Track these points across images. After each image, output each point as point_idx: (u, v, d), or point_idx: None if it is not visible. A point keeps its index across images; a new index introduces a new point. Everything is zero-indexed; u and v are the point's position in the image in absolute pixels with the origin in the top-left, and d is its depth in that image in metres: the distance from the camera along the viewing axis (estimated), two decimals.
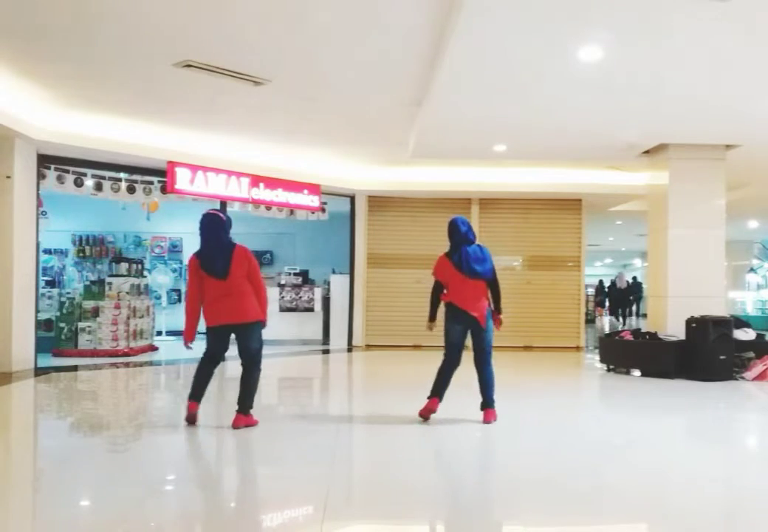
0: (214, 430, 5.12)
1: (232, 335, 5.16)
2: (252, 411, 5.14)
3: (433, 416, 5.31)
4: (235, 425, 5.00)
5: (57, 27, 5.56)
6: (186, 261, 13.61)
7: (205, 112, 8.06)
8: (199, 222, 5.20)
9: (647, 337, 8.51)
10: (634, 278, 26.76)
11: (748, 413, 6.60)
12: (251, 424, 5.10)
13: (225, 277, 4.99)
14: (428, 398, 5.34)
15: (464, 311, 5.24)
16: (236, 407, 5.10)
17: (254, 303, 5.08)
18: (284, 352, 11.04)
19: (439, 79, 6.19)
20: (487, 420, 5.26)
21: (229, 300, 4.99)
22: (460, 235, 5.44)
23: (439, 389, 5.35)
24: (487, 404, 5.33)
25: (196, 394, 5.16)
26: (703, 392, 7.27)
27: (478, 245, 5.50)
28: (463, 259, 5.31)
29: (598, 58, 5.63)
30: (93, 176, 9.53)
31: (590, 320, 21.46)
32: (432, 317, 5.48)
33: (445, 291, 5.43)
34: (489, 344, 5.35)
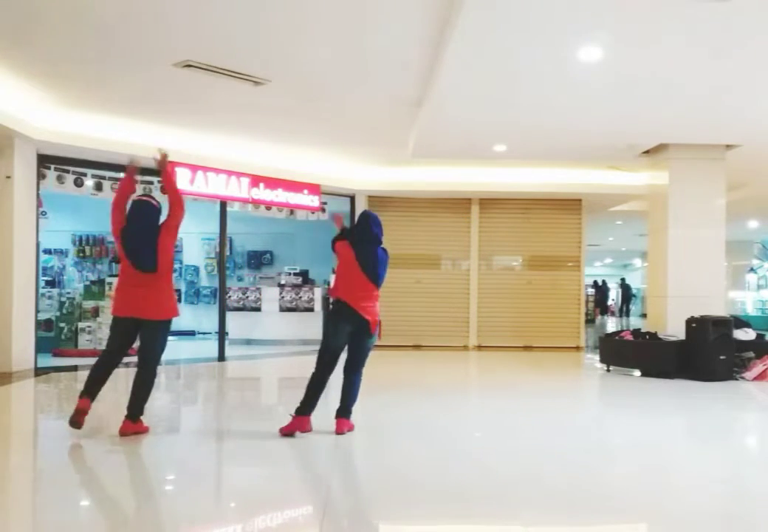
0: (214, 431, 5.11)
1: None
2: (252, 411, 5.11)
3: (432, 417, 5.30)
4: (123, 432, 4.71)
5: (57, 27, 5.56)
6: (187, 260, 13.66)
7: (205, 112, 8.06)
8: (129, 208, 4.91)
9: (647, 337, 8.51)
10: (623, 279, 27.62)
11: (748, 413, 6.60)
12: (141, 431, 4.81)
13: (153, 270, 4.68)
14: (296, 414, 4.83)
15: (356, 312, 4.85)
16: (125, 413, 4.77)
17: (171, 300, 4.78)
18: (284, 352, 11.04)
19: (439, 80, 6.19)
20: (339, 430, 4.90)
21: (142, 292, 4.67)
22: (370, 235, 5.02)
23: (310, 405, 4.89)
24: (344, 413, 5.00)
25: (91, 389, 4.73)
26: (703, 392, 7.27)
27: (383, 248, 5.09)
28: (371, 261, 4.93)
29: (598, 58, 5.63)
30: (93, 176, 9.52)
31: (590, 320, 21.84)
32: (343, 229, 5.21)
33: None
34: (369, 350, 5.04)
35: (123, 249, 4.79)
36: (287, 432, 4.79)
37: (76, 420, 4.65)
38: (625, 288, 27.89)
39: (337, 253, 5.08)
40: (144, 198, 5.01)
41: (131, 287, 4.71)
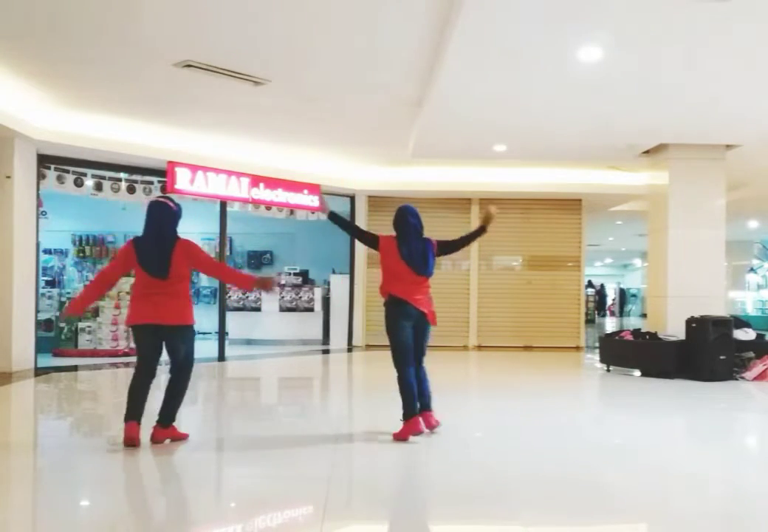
0: (214, 431, 5.11)
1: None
2: (252, 411, 5.11)
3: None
4: (156, 439, 4.55)
5: (57, 27, 5.56)
6: None
7: (205, 112, 8.06)
8: (146, 210, 4.67)
9: (647, 337, 8.51)
10: (618, 284, 30.06)
11: (748, 413, 6.60)
12: (178, 437, 4.65)
13: (165, 277, 4.47)
14: (405, 418, 4.76)
15: (414, 307, 4.82)
16: (157, 419, 4.64)
17: (189, 305, 4.61)
18: (284, 352, 11.04)
19: (439, 80, 6.19)
20: (429, 425, 4.85)
21: (160, 299, 4.48)
22: (409, 226, 4.98)
23: (414, 405, 4.79)
24: (427, 407, 4.91)
25: (134, 413, 4.54)
26: (703, 392, 7.27)
27: (427, 239, 5.04)
28: (414, 254, 4.88)
29: (598, 58, 5.63)
30: (93, 176, 9.52)
31: (590, 320, 22.27)
32: (333, 216, 5.27)
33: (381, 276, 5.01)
34: (426, 345, 5.03)
35: (137, 257, 4.54)
36: (403, 437, 4.69)
37: (132, 443, 4.45)
38: (621, 292, 30.83)
39: (380, 248, 5.01)
40: (161, 199, 4.77)
41: (146, 296, 4.52)
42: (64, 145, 8.47)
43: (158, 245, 4.53)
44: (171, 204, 4.70)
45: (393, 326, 4.87)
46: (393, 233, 5.04)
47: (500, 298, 12.28)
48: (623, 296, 30.53)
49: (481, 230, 5.13)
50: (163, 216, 4.62)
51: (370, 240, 5.11)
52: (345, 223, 5.25)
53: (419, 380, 4.91)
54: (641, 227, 11.16)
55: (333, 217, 5.19)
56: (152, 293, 4.50)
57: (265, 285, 4.70)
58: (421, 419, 4.80)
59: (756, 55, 5.63)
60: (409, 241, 4.94)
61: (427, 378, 4.99)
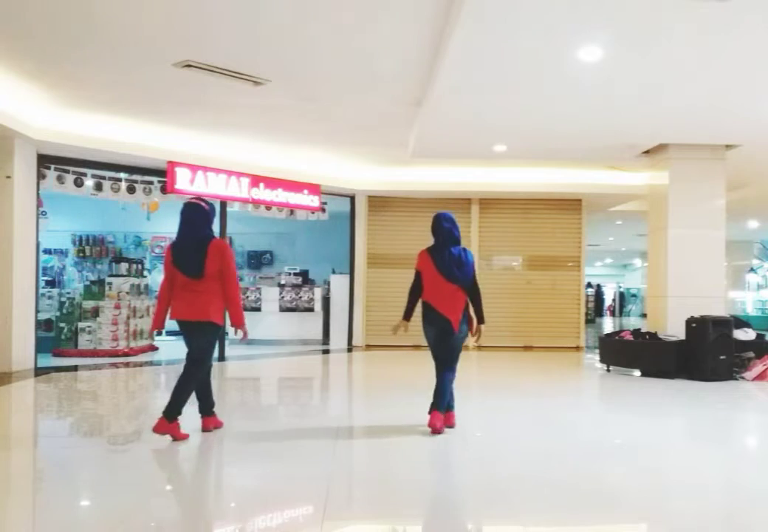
0: (214, 431, 5.11)
1: None
2: (252, 411, 5.11)
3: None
4: (157, 430, 4.63)
5: (57, 27, 5.55)
6: None
7: (205, 112, 8.06)
8: (180, 211, 4.83)
9: (647, 337, 8.51)
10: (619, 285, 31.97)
11: (748, 413, 6.60)
12: (176, 435, 4.68)
13: (199, 276, 4.64)
14: (444, 412, 5.03)
15: (438, 313, 4.99)
16: (163, 412, 4.70)
17: (218, 304, 4.72)
18: (284, 352, 11.05)
19: (439, 80, 6.19)
20: (431, 424, 4.91)
21: (192, 297, 4.66)
22: (443, 231, 5.12)
23: (448, 400, 5.09)
24: (437, 407, 4.96)
25: (206, 406, 4.93)
26: (703, 392, 7.27)
27: (464, 248, 5.17)
28: (446, 261, 5.02)
29: (598, 58, 5.63)
30: (93, 176, 9.53)
31: (590, 320, 22.44)
32: (407, 316, 5.16)
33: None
34: (458, 348, 5.09)
35: (172, 258, 4.73)
36: (434, 429, 4.91)
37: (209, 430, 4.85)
38: (620, 295, 32.96)
39: (418, 267, 5.19)
40: (194, 201, 4.93)
41: (181, 294, 4.72)
42: (64, 145, 8.47)
43: (193, 245, 4.68)
44: (204, 205, 4.85)
45: (424, 331, 5.13)
46: (423, 248, 5.24)
47: (500, 298, 12.26)
48: (621, 298, 31.99)
49: (479, 318, 5.25)
50: (196, 217, 4.76)
51: (418, 279, 5.23)
52: (411, 303, 5.26)
53: (439, 382, 5.05)
54: (641, 227, 11.17)
55: (408, 314, 5.23)
56: (187, 291, 4.68)
57: (243, 333, 4.82)
58: (453, 414, 5.11)
59: (756, 55, 5.63)
60: (442, 250, 5.09)
61: (448, 382, 5.06)
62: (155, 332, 4.98)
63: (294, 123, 8.49)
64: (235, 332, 4.81)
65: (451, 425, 5.10)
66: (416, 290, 5.20)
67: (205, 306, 4.66)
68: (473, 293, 5.13)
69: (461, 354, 5.19)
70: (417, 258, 5.21)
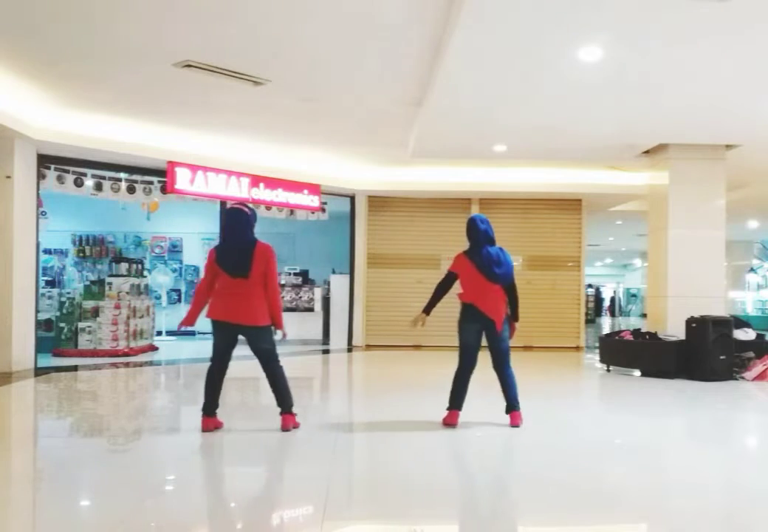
0: (214, 431, 5.11)
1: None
2: (252, 411, 5.12)
3: (433, 417, 5.30)
4: (284, 427, 4.90)
5: (57, 27, 5.55)
6: (187, 260, 13.69)
7: (205, 112, 8.06)
8: (224, 216, 5.04)
9: (647, 337, 8.51)
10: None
11: (748, 413, 6.60)
12: (296, 426, 5.00)
13: (246, 276, 4.81)
14: (447, 409, 5.19)
15: (481, 313, 5.09)
16: (279, 410, 4.97)
17: (264, 306, 4.90)
18: (284, 352, 10.90)
19: (438, 80, 6.19)
20: (514, 423, 5.13)
21: (240, 299, 4.83)
22: (479, 232, 5.17)
23: (458, 400, 5.19)
24: (513, 407, 5.19)
25: (209, 405, 4.96)
26: (703, 392, 7.27)
27: (500, 248, 5.23)
28: (485, 260, 5.09)
29: (598, 58, 5.63)
30: (93, 176, 9.53)
31: (590, 320, 22.55)
32: (427, 310, 5.25)
33: (460, 291, 5.25)
34: (507, 345, 5.23)
35: (217, 260, 4.88)
36: (448, 424, 5.14)
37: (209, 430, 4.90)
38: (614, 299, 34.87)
39: (454, 269, 5.23)
40: (237, 206, 5.12)
41: (226, 295, 4.86)
42: (64, 145, 8.47)
43: (240, 248, 4.87)
44: (246, 210, 5.06)
45: (460, 328, 5.26)
46: (458, 251, 5.29)
47: None
48: (617, 301, 33.72)
49: (515, 316, 5.31)
50: (240, 221, 4.97)
51: (448, 280, 5.28)
52: (435, 299, 5.32)
53: (503, 384, 5.23)
54: (641, 227, 11.17)
55: (428, 309, 5.33)
56: (232, 293, 4.83)
57: (283, 334, 5.08)
58: (457, 413, 5.17)
59: (756, 55, 5.62)
60: (480, 251, 5.14)
61: (513, 382, 5.23)
62: (184, 326, 5.09)
63: (294, 123, 8.49)
64: (275, 333, 5.06)
65: (516, 425, 5.17)
66: (444, 288, 5.27)
67: (253, 309, 4.85)
68: (511, 291, 5.24)
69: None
70: (453, 260, 5.27)
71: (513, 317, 5.27)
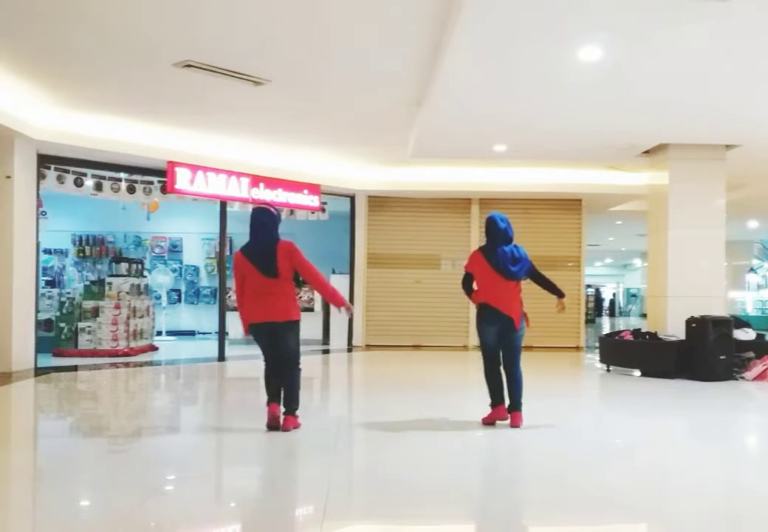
0: (214, 431, 5.12)
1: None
2: (253, 411, 5.12)
3: (433, 417, 5.30)
4: (285, 428, 4.90)
5: (57, 27, 5.55)
6: (187, 260, 13.69)
7: (205, 112, 8.06)
8: (249, 216, 5.08)
9: (647, 337, 8.51)
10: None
11: (748, 413, 6.60)
12: (297, 426, 4.98)
13: (275, 276, 4.86)
14: (491, 406, 5.24)
15: (499, 311, 5.13)
16: (283, 410, 4.97)
17: (292, 303, 4.97)
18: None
19: (439, 80, 6.19)
20: (514, 424, 5.13)
21: (270, 299, 4.87)
22: (499, 232, 5.20)
23: (498, 394, 5.23)
24: (515, 407, 5.21)
25: (273, 395, 4.99)
26: (703, 392, 7.27)
27: (515, 245, 5.30)
28: (500, 259, 5.13)
29: (598, 58, 5.63)
30: (93, 176, 9.53)
31: (590, 320, 22.63)
32: (467, 291, 5.39)
33: (474, 288, 5.29)
34: (519, 345, 5.28)
35: (251, 261, 4.91)
36: (488, 421, 5.20)
37: (274, 424, 4.91)
38: (611, 302, 35.62)
39: (468, 268, 5.30)
40: (263, 206, 5.16)
41: (256, 297, 4.91)
42: (64, 145, 8.47)
43: (263, 247, 4.93)
44: (271, 210, 5.10)
45: (479, 329, 5.27)
46: (473, 249, 5.38)
47: None
48: (613, 303, 34.45)
49: (559, 294, 5.59)
50: (266, 221, 5.01)
51: (467, 279, 5.37)
52: (469, 292, 5.42)
53: (510, 382, 5.23)
54: (641, 227, 11.16)
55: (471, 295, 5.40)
56: (262, 294, 4.88)
57: (348, 310, 5.12)
58: (503, 407, 5.20)
59: (756, 55, 5.62)
60: (496, 249, 5.18)
61: (520, 383, 5.25)
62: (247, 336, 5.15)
63: (294, 123, 8.49)
64: (347, 313, 5.14)
65: (516, 425, 5.16)
66: (469, 286, 5.37)
67: (286, 306, 4.90)
68: (540, 279, 5.42)
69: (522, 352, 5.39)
70: (468, 259, 5.34)
71: (558, 293, 5.49)
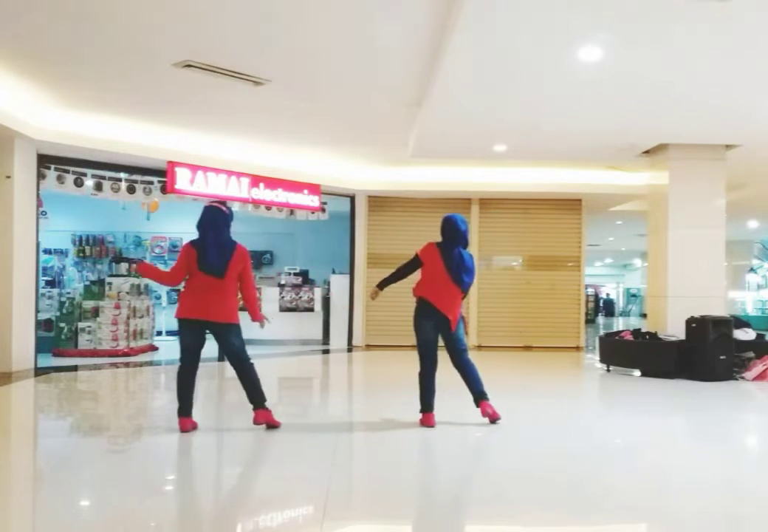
0: (214, 431, 5.12)
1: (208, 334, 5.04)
2: (250, 410, 5.10)
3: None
4: (257, 421, 4.91)
5: (57, 27, 5.55)
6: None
7: (205, 112, 8.06)
8: (201, 214, 5.05)
9: (647, 337, 8.50)
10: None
11: (748, 413, 6.60)
12: (271, 421, 4.96)
13: (222, 276, 4.84)
14: (421, 412, 5.16)
15: (438, 311, 5.09)
16: (252, 406, 4.97)
17: (235, 304, 4.97)
18: (284, 352, 11.03)
19: (439, 80, 6.19)
20: (486, 414, 5.12)
21: (214, 297, 4.84)
22: (458, 233, 5.15)
23: (429, 402, 5.15)
24: (481, 397, 5.17)
25: (186, 406, 4.90)
26: (703, 392, 7.27)
27: (469, 253, 5.25)
28: (456, 264, 5.07)
29: (598, 58, 5.63)
30: (93, 176, 9.52)
31: (590, 320, 22.69)
32: (381, 285, 5.34)
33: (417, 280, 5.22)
34: (462, 341, 5.22)
35: (197, 258, 4.86)
36: (426, 425, 5.11)
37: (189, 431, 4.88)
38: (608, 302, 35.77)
39: (422, 257, 5.22)
40: (215, 204, 5.15)
41: (198, 292, 4.88)
42: (64, 145, 8.47)
43: (219, 247, 4.89)
44: (224, 208, 5.09)
45: (416, 323, 5.22)
46: (431, 241, 5.25)
47: (500, 298, 12.27)
48: (610, 304, 34.85)
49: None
50: (218, 220, 4.99)
51: (413, 265, 5.30)
52: (393, 278, 5.41)
53: (464, 373, 5.19)
54: (641, 227, 11.16)
55: (383, 285, 5.45)
56: (205, 290, 4.84)
57: (262, 322, 5.20)
58: (433, 415, 5.13)
59: (757, 55, 5.63)
60: (453, 253, 5.12)
61: (473, 369, 5.20)
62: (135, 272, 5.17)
63: (294, 123, 8.49)
64: (261, 325, 5.18)
65: (486, 414, 5.16)
66: (407, 271, 5.31)
67: (231, 308, 4.92)
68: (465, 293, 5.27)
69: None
70: (423, 247, 5.24)
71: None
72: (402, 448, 4.67)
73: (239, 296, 5.06)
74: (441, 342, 5.28)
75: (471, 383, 5.20)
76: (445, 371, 5.37)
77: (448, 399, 5.42)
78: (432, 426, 5.09)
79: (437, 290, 5.11)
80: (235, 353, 4.97)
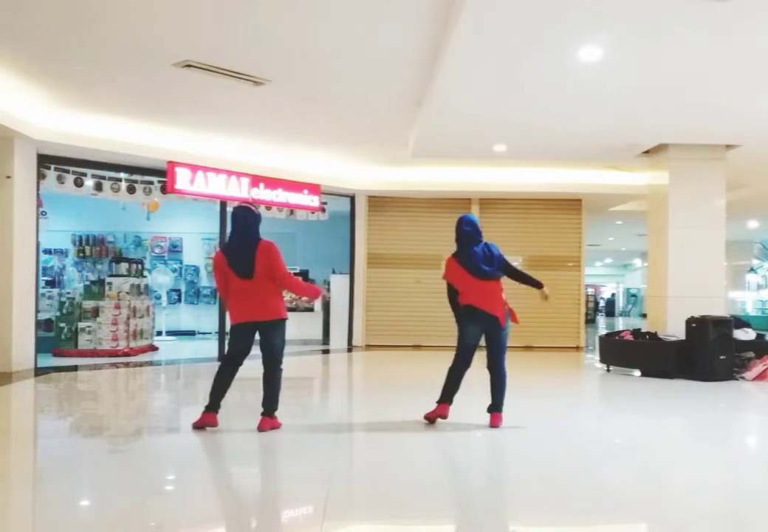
0: (214, 431, 5.11)
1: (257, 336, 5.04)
2: (253, 411, 5.11)
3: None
4: (261, 428, 4.87)
5: (57, 27, 5.55)
6: (187, 260, 13.69)
7: (205, 112, 8.06)
8: (231, 215, 5.10)
9: (647, 337, 8.50)
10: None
11: (748, 413, 6.60)
12: (275, 426, 4.96)
13: (250, 276, 4.85)
14: (438, 402, 5.20)
15: (483, 311, 5.13)
16: (261, 410, 4.95)
17: (278, 302, 4.96)
18: (285, 352, 11.01)
19: (439, 79, 6.19)
20: (494, 424, 5.13)
21: (253, 299, 4.87)
22: (463, 235, 5.28)
23: (449, 393, 5.21)
24: (495, 408, 5.20)
25: (214, 403, 4.95)
26: (703, 392, 7.27)
27: (486, 243, 5.27)
28: (472, 260, 5.16)
29: (598, 58, 5.63)
30: (93, 176, 9.53)
31: (590, 320, 22.71)
32: (459, 321, 5.37)
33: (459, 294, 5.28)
34: (504, 344, 5.24)
35: (226, 260, 4.91)
36: (429, 417, 5.18)
37: (200, 427, 4.91)
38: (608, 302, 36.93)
39: (446, 277, 5.36)
40: (243, 205, 5.15)
41: (239, 298, 4.91)
42: (64, 145, 8.47)
43: (242, 246, 4.91)
44: (252, 208, 5.10)
45: (461, 328, 5.31)
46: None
47: None
48: (611, 304, 35.61)
49: (537, 285, 5.36)
50: (248, 219, 4.99)
51: (449, 287, 5.38)
52: (454, 306, 5.42)
53: (494, 382, 5.22)
54: (641, 227, 11.16)
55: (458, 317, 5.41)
56: (245, 294, 4.88)
57: (323, 296, 5.16)
58: (447, 406, 5.19)
59: (757, 55, 5.63)
60: (462, 250, 5.24)
61: (503, 384, 5.23)
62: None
63: (294, 123, 8.49)
64: (325, 298, 5.22)
65: (495, 425, 5.17)
66: (453, 297, 5.36)
67: (270, 305, 4.91)
68: (515, 274, 5.33)
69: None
70: (444, 268, 5.37)
71: (536, 285, 5.31)
72: (403, 448, 4.67)
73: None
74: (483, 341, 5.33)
75: (494, 391, 5.23)
76: (444, 369, 5.37)
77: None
78: (444, 416, 5.15)
79: (471, 292, 5.19)
80: (272, 352, 4.97)
